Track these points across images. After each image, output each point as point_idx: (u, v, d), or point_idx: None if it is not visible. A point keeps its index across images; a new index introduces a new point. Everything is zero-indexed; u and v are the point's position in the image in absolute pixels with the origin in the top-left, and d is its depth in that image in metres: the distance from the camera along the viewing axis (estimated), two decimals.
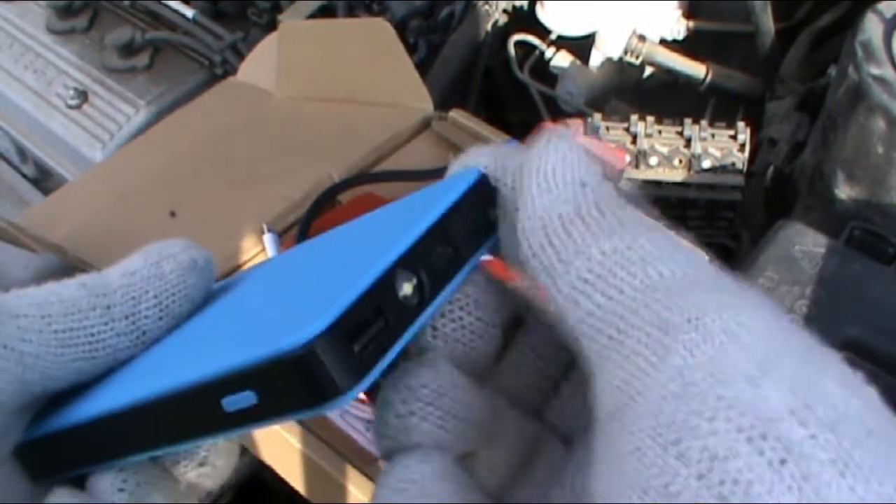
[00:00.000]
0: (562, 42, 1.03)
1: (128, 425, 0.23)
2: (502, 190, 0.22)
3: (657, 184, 0.83)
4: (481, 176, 0.23)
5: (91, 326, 0.24)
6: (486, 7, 1.04)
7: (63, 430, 0.24)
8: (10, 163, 1.19)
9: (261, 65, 0.82)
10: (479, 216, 0.22)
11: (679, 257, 0.19)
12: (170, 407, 0.21)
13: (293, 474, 0.59)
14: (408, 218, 0.22)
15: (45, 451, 0.25)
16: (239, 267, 0.65)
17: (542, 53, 1.03)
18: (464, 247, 0.22)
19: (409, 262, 0.20)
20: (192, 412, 0.21)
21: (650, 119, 0.82)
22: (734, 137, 0.82)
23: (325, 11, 1.02)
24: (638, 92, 1.03)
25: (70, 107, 1.02)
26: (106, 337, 0.24)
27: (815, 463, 0.16)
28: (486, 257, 0.23)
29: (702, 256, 0.20)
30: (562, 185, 0.20)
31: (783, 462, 0.16)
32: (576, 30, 0.99)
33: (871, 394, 0.18)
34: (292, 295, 0.23)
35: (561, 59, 1.03)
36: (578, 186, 0.20)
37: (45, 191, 1.15)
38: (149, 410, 0.22)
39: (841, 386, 0.18)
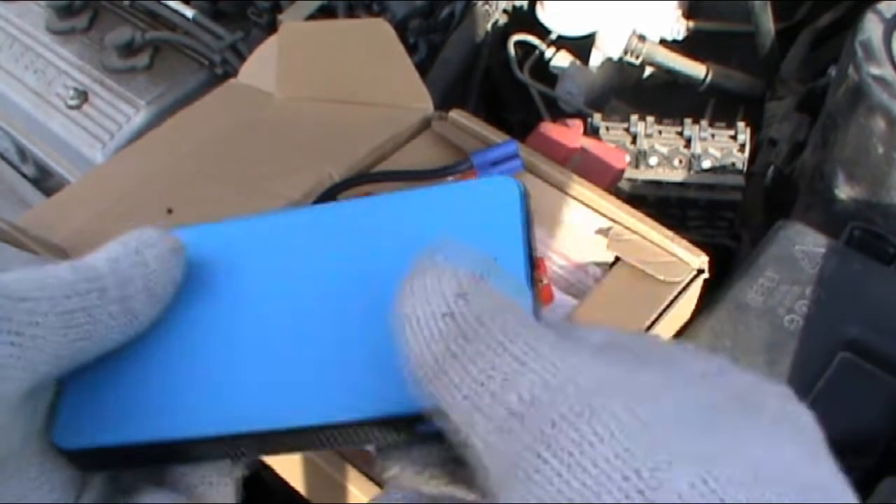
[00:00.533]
0: (562, 42, 1.03)
1: (263, 441, 0.25)
2: None
3: (657, 184, 0.83)
4: (524, 190, 0.26)
5: (90, 308, 0.24)
6: (486, 7, 1.04)
7: (155, 443, 0.25)
8: (9, 163, 1.19)
9: (261, 66, 0.82)
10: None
11: (540, 363, 0.19)
12: (350, 430, 0.24)
13: (293, 474, 0.59)
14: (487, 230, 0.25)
15: (111, 455, 0.26)
16: None
17: (542, 53, 1.03)
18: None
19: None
20: (381, 433, 0.24)
21: (650, 119, 0.82)
22: (734, 137, 0.82)
23: (325, 11, 1.02)
24: (638, 92, 1.03)
25: (70, 107, 1.02)
26: (103, 318, 0.25)
27: None
28: None
29: (589, 357, 0.20)
30: (423, 331, 0.20)
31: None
32: (576, 30, 0.99)
33: None
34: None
35: (561, 59, 1.03)
36: (441, 323, 0.20)
37: (45, 191, 1.15)
38: (312, 433, 0.24)
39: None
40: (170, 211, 0.70)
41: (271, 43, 0.83)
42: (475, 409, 0.19)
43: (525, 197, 0.26)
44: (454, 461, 0.23)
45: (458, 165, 0.70)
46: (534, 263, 0.25)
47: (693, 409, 0.18)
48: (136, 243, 0.26)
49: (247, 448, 0.26)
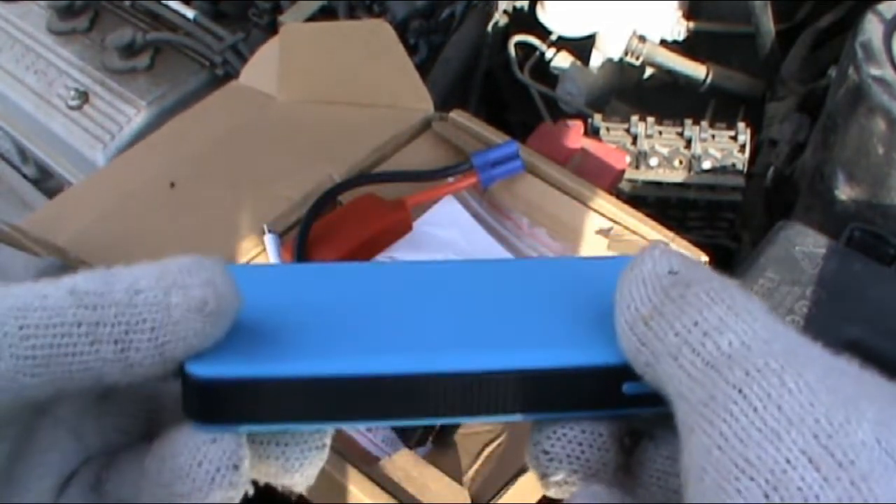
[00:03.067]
0: (562, 43, 1.03)
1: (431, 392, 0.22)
2: None
3: (657, 184, 0.83)
4: None
5: (72, 345, 0.21)
6: (487, 8, 1.04)
7: (302, 379, 0.22)
8: (10, 163, 1.19)
9: (262, 68, 0.82)
10: None
11: (749, 322, 0.21)
12: (552, 381, 0.23)
13: None
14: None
15: (231, 396, 0.22)
16: None
17: (543, 54, 1.03)
18: None
19: None
20: (586, 391, 0.23)
21: (650, 120, 0.82)
22: (734, 138, 0.82)
23: (325, 12, 1.02)
24: (638, 93, 1.03)
25: (71, 107, 1.02)
26: (89, 360, 0.21)
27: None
28: None
29: (769, 320, 0.21)
30: (648, 285, 0.22)
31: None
32: (576, 30, 1.00)
33: None
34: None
35: (561, 60, 1.03)
36: (665, 277, 0.22)
37: (46, 191, 1.15)
38: (499, 380, 0.22)
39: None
40: (172, 185, 0.69)
41: (272, 45, 0.83)
42: (685, 344, 0.20)
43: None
44: (623, 468, 0.24)
45: (458, 166, 0.70)
46: None
47: (874, 393, 0.20)
48: (171, 281, 0.21)
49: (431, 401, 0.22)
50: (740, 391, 0.19)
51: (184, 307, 0.21)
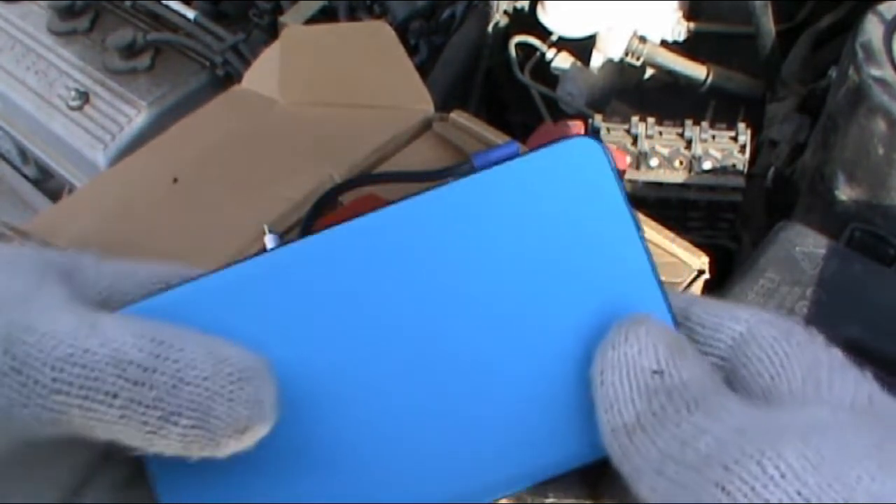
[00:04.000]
0: (562, 43, 1.03)
1: None
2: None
3: (658, 185, 0.83)
4: (603, 148, 0.24)
5: (103, 413, 0.20)
6: (487, 8, 1.04)
7: None
8: (11, 164, 1.19)
9: (264, 72, 0.83)
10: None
11: (724, 418, 0.20)
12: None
13: None
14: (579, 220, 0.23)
15: None
16: None
17: (543, 55, 1.03)
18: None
19: None
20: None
21: (651, 120, 0.82)
22: (735, 139, 0.82)
23: (326, 13, 1.02)
24: (639, 93, 1.03)
25: (71, 108, 1.02)
26: (115, 429, 0.20)
27: None
28: None
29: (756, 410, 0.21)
30: (630, 385, 0.22)
31: None
32: (576, 31, 1.00)
33: None
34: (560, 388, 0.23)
35: (562, 61, 1.03)
36: (648, 377, 0.22)
37: (47, 192, 1.15)
38: None
39: None
40: (175, 180, 0.69)
41: (274, 49, 0.83)
42: (667, 457, 0.20)
43: (611, 160, 0.24)
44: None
45: (458, 166, 0.70)
46: (639, 225, 0.24)
47: (861, 444, 0.19)
48: (223, 384, 0.20)
49: None
50: (723, 489, 0.19)
51: (224, 421, 0.20)
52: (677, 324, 0.23)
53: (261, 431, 0.20)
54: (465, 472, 0.22)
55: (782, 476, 0.18)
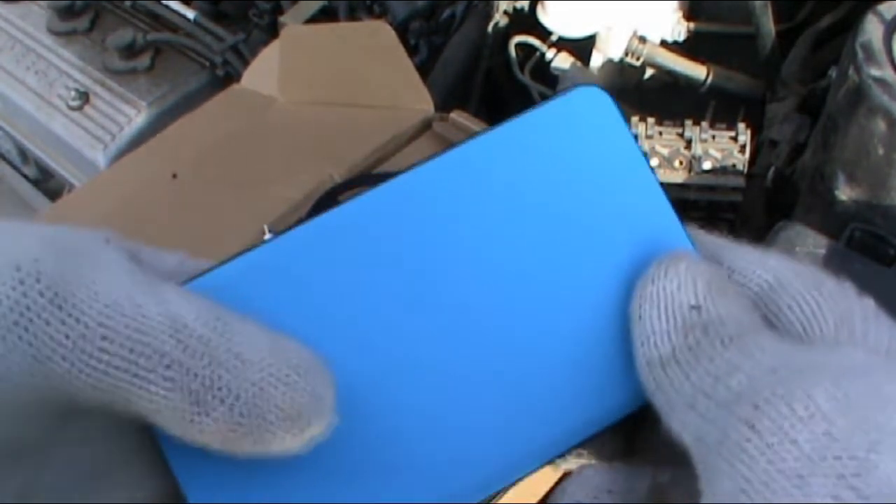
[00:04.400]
0: (562, 43, 1.03)
1: None
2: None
3: None
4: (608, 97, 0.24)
5: (150, 381, 0.18)
6: (487, 9, 1.04)
7: None
8: (11, 164, 1.19)
9: (264, 71, 0.83)
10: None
11: (757, 356, 0.20)
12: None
13: None
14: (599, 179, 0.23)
15: None
16: None
17: (543, 55, 1.03)
18: None
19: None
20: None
21: (651, 120, 0.82)
22: (735, 139, 0.82)
23: (326, 13, 1.02)
24: (638, 93, 1.03)
25: (71, 108, 1.02)
26: (158, 401, 0.18)
27: None
28: None
29: (789, 346, 0.21)
30: (668, 319, 0.22)
31: None
32: (576, 31, 1.00)
33: None
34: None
35: (561, 61, 1.03)
36: (686, 311, 0.22)
37: (47, 192, 1.15)
38: None
39: None
40: (175, 176, 0.69)
41: (273, 48, 0.83)
42: (699, 392, 0.20)
43: (618, 106, 0.24)
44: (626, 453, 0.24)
45: None
46: (652, 169, 0.24)
47: (890, 389, 0.19)
48: (286, 367, 0.19)
49: None
50: (752, 427, 0.19)
51: (282, 410, 0.19)
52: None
53: (316, 429, 0.19)
54: (514, 440, 0.22)
55: (811, 416, 0.18)
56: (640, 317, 0.22)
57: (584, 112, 0.24)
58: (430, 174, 0.23)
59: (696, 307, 0.22)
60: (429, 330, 0.22)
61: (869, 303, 0.22)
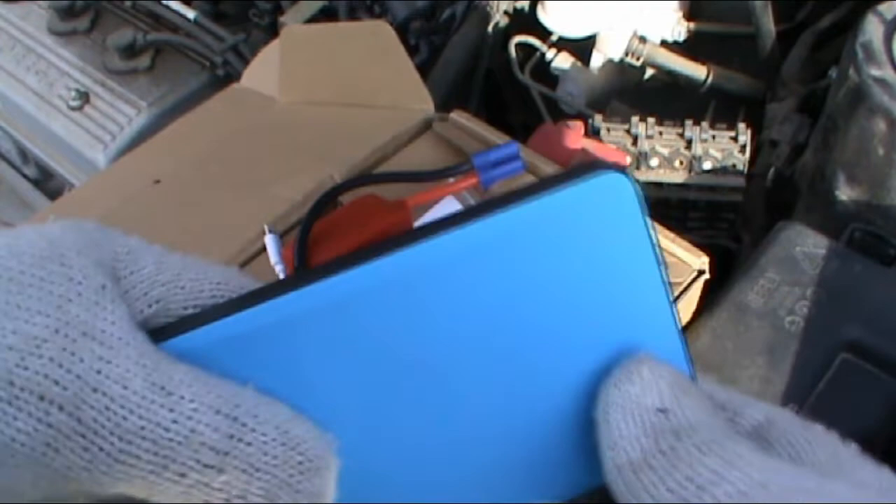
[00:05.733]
0: (563, 43, 1.03)
1: None
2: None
3: (658, 185, 0.83)
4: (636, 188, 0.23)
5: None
6: (488, 9, 1.04)
7: None
8: (11, 164, 1.19)
9: (263, 71, 0.83)
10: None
11: (743, 468, 0.20)
12: None
13: None
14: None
15: None
16: (241, 268, 0.65)
17: (543, 55, 1.03)
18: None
19: None
20: None
21: (651, 120, 0.83)
22: (735, 139, 0.82)
23: (326, 13, 1.02)
24: (639, 93, 1.03)
25: (72, 108, 1.03)
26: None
27: None
28: None
29: (786, 469, 0.21)
30: (636, 423, 0.21)
31: None
32: (577, 31, 1.00)
33: None
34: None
35: (562, 61, 1.03)
36: (654, 415, 0.21)
37: (47, 192, 1.15)
38: None
39: None
40: (157, 181, 0.69)
41: (273, 47, 0.83)
42: (680, 499, 0.20)
43: (640, 197, 0.23)
44: None
45: (459, 167, 0.70)
46: (662, 268, 0.23)
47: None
48: (314, 454, 0.20)
49: None
50: None
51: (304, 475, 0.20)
52: (694, 371, 0.23)
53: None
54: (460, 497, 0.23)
55: None
56: (606, 421, 0.22)
57: (606, 199, 0.23)
58: (435, 253, 0.22)
59: (663, 410, 0.21)
60: (409, 412, 0.22)
61: (854, 446, 0.22)
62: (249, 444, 0.20)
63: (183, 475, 0.19)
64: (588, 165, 0.23)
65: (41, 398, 0.19)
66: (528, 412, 0.23)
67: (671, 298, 0.23)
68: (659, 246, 0.23)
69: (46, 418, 0.19)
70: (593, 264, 0.23)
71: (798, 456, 0.22)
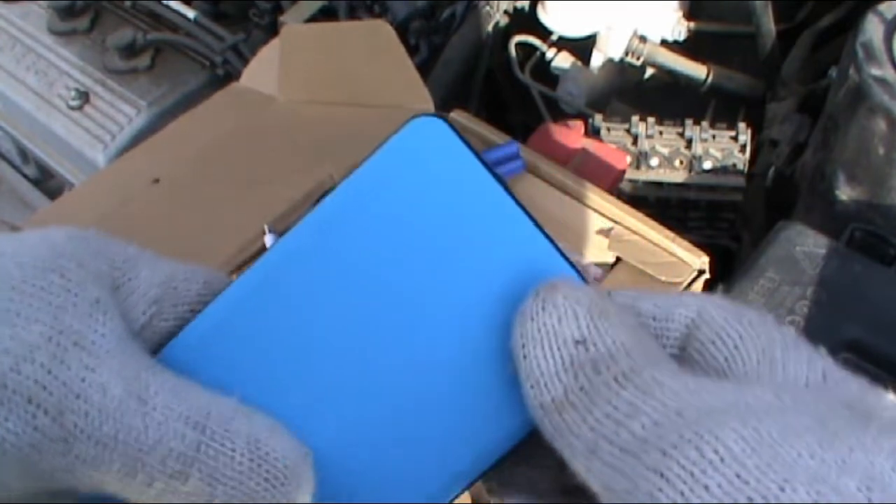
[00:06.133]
0: (563, 43, 1.03)
1: None
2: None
3: (658, 185, 0.83)
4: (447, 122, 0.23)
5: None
6: (488, 8, 1.04)
7: None
8: (11, 164, 1.19)
9: (263, 70, 0.83)
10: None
11: (658, 396, 0.20)
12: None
13: None
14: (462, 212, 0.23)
15: None
16: (241, 267, 0.65)
17: (544, 54, 1.03)
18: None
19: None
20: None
21: (651, 120, 0.82)
22: (735, 138, 0.82)
23: (326, 12, 1.02)
24: (639, 93, 1.03)
25: (71, 108, 1.02)
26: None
27: None
28: None
29: (693, 383, 0.20)
30: (554, 358, 0.21)
31: None
32: (577, 31, 1.00)
33: None
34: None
35: (562, 61, 1.03)
36: (572, 348, 0.21)
37: (47, 191, 1.15)
38: None
39: None
40: (156, 181, 0.69)
41: (273, 46, 0.83)
42: (601, 437, 0.20)
43: (457, 130, 0.23)
44: (563, 490, 0.24)
45: None
46: (509, 190, 0.23)
47: (802, 423, 0.19)
48: (284, 464, 0.21)
49: None
50: (662, 475, 0.18)
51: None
52: (584, 279, 0.23)
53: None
54: (418, 476, 0.23)
55: (721, 460, 0.18)
56: (524, 356, 0.21)
57: (427, 143, 0.24)
58: (308, 231, 0.24)
59: (582, 341, 0.21)
60: (330, 374, 0.23)
61: (789, 331, 0.22)
62: (215, 454, 0.21)
63: (151, 482, 0.20)
64: (407, 120, 0.24)
65: (29, 401, 0.20)
66: (443, 363, 0.23)
67: (533, 217, 0.23)
68: (494, 171, 0.23)
69: (33, 421, 0.20)
70: (445, 206, 0.23)
71: (726, 361, 0.21)
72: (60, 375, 0.20)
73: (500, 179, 0.23)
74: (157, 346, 0.23)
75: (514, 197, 0.23)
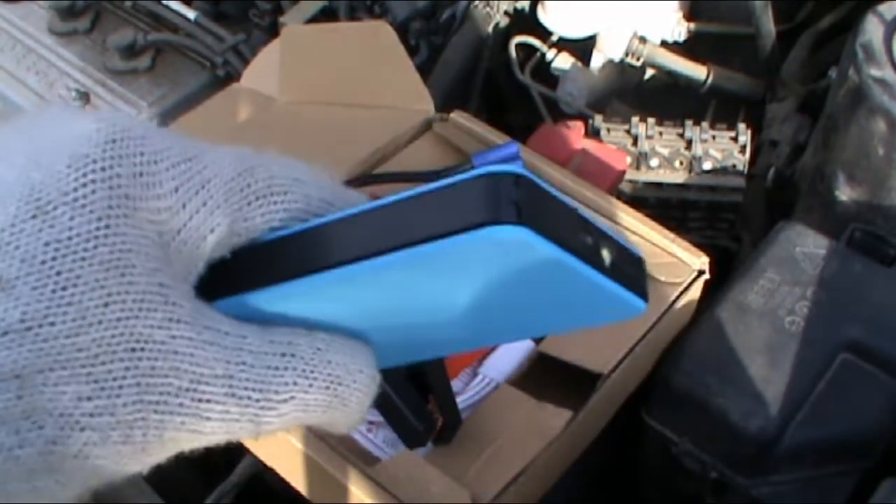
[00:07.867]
0: (563, 44, 1.03)
1: None
2: None
3: (658, 185, 0.83)
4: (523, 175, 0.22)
5: None
6: (488, 9, 1.04)
7: None
8: None
9: (263, 71, 0.83)
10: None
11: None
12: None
13: (295, 475, 0.59)
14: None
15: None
16: None
17: (544, 55, 1.03)
18: None
19: None
20: None
21: (651, 121, 0.83)
22: (735, 139, 0.82)
23: (326, 13, 1.02)
24: (639, 94, 1.03)
25: None
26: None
27: None
28: None
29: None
30: None
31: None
32: (577, 31, 1.00)
33: None
34: None
35: (562, 61, 1.03)
36: None
37: None
38: None
39: None
40: None
41: (273, 47, 0.83)
42: None
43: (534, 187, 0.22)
44: None
45: (459, 167, 0.70)
46: (635, 255, 0.23)
47: None
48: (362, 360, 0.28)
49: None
50: None
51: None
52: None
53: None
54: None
55: None
56: None
57: (502, 247, 0.22)
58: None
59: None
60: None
61: None
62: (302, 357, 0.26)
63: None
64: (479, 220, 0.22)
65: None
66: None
67: (607, 279, 0.22)
68: (597, 231, 0.23)
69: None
70: (523, 281, 0.23)
71: None
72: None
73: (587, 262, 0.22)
74: None
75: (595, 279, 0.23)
